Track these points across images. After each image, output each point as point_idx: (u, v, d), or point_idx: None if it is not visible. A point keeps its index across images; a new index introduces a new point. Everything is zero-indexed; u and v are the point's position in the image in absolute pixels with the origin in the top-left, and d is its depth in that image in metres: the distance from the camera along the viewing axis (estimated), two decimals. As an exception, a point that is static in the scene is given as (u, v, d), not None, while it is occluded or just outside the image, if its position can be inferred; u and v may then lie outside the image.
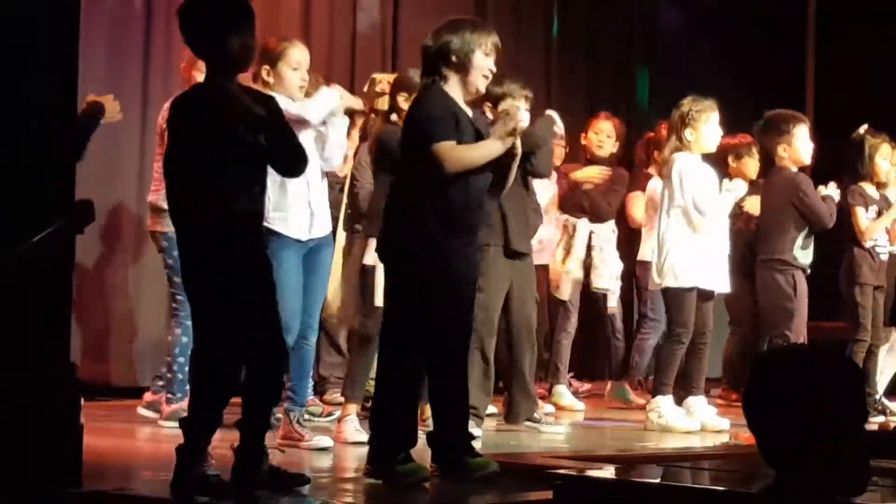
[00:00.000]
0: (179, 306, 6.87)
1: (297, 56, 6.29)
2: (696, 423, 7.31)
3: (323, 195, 6.33)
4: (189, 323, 6.78)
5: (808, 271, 7.66)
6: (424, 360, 5.30)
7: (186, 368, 6.80)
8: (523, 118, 5.50)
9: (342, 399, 7.33)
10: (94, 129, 5.83)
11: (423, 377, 5.35)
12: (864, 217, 8.26)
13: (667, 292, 7.44)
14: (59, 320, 4.72)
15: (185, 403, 6.72)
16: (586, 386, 9.59)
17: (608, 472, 4.95)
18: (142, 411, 7.19)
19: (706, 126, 7.36)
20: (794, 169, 7.69)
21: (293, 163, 5.07)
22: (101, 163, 7.70)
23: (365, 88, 7.29)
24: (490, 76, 5.42)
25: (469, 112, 5.41)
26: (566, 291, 8.63)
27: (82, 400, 4.78)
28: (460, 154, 5.23)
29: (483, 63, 5.36)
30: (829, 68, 11.39)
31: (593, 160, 8.76)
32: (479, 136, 5.35)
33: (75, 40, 4.87)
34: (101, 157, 7.54)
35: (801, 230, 7.61)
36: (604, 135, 8.75)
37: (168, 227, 6.82)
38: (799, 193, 7.61)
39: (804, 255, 7.64)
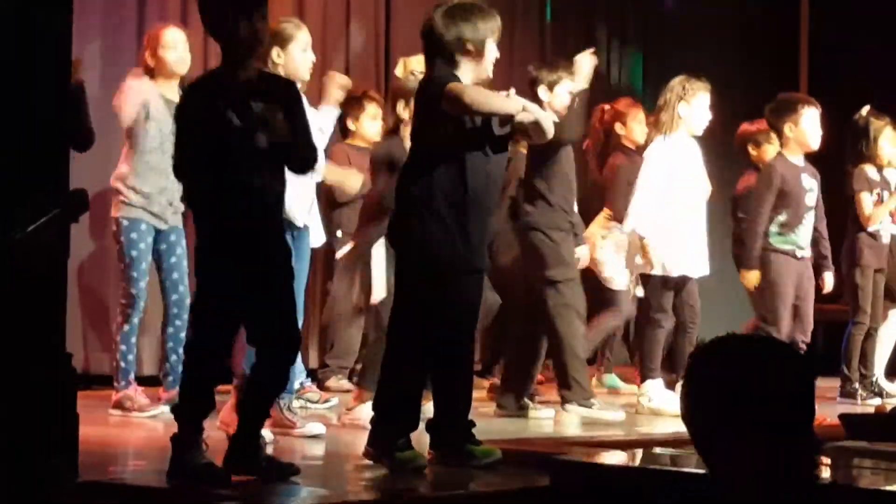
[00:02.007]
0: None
1: (305, 38, 6.31)
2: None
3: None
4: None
5: (799, 255, 7.62)
6: (431, 347, 5.30)
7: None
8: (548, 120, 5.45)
9: (348, 386, 7.44)
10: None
11: (428, 364, 5.35)
12: (868, 202, 8.22)
13: (650, 278, 7.45)
14: (54, 310, 4.70)
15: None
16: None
17: (605, 457, 4.96)
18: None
19: (697, 103, 7.35)
20: (794, 155, 7.64)
21: (298, 159, 5.04)
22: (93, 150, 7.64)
23: (398, 71, 7.33)
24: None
25: None
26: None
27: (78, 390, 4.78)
28: (475, 92, 5.23)
29: (493, 50, 5.40)
30: (824, 51, 11.37)
31: (627, 150, 8.32)
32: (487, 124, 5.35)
33: (69, 33, 4.87)
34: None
35: (775, 216, 7.59)
36: (644, 124, 8.34)
37: (118, 212, 6.80)
38: (758, 180, 7.63)
39: (783, 240, 7.60)
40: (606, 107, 8.56)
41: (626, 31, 11.32)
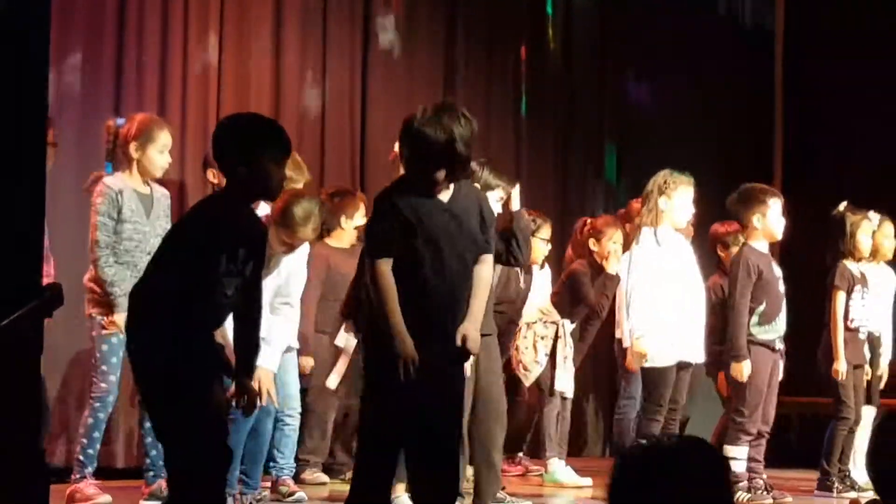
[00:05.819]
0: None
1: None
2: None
3: None
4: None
5: (776, 347, 7.65)
6: (401, 447, 5.23)
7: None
8: None
9: (324, 478, 7.67)
10: None
11: (396, 464, 5.29)
12: (842, 301, 8.21)
13: (644, 371, 7.42)
14: (28, 405, 4.65)
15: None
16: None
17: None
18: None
19: (679, 197, 7.39)
20: (760, 244, 7.70)
21: (248, 311, 4.89)
22: (75, 232, 7.62)
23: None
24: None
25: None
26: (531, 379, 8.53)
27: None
28: (382, 287, 5.08)
29: None
30: (798, 145, 11.46)
31: (593, 263, 8.57)
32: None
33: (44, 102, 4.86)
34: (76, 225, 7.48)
35: (755, 307, 7.61)
36: (620, 245, 8.44)
37: (92, 308, 6.61)
38: (733, 270, 7.66)
39: (762, 330, 7.62)
40: (588, 220, 8.69)
41: (600, 124, 11.39)
